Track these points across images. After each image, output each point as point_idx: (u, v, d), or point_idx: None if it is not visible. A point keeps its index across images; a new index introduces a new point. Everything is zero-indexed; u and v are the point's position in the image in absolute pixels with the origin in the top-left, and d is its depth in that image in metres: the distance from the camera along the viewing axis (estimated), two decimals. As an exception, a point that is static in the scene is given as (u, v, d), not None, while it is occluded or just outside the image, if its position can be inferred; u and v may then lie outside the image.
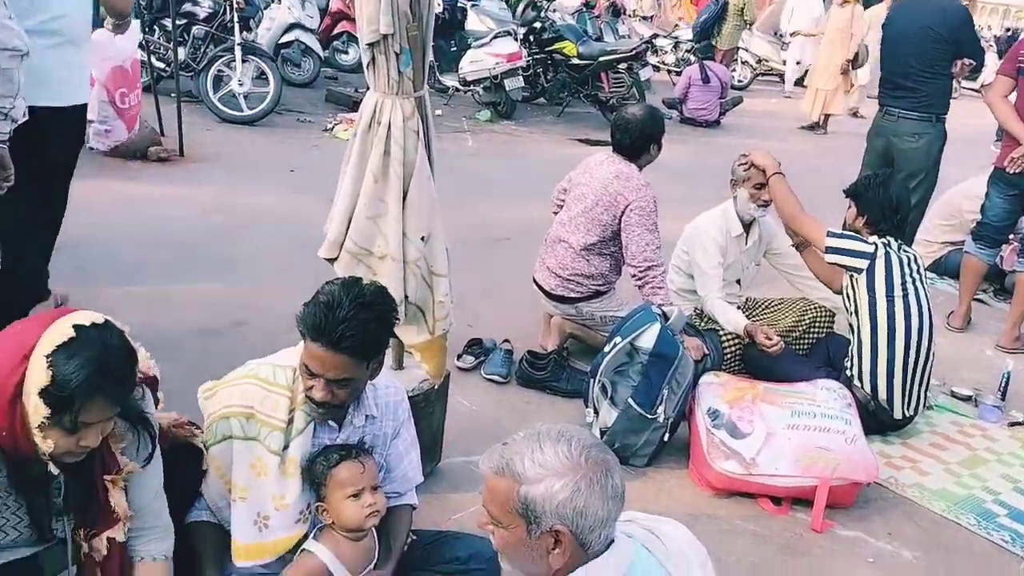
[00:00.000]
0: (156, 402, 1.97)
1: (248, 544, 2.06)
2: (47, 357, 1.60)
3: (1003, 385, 4.05)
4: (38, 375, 1.60)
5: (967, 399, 4.07)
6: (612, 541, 1.54)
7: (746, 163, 3.88)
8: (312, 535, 2.12)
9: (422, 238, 2.70)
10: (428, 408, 3.00)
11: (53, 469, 1.70)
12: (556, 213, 4.16)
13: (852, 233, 3.69)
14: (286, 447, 2.06)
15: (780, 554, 2.90)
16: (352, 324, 1.94)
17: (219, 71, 7.89)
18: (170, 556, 2.00)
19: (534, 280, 4.14)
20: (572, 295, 3.96)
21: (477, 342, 4.08)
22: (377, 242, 2.67)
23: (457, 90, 10.09)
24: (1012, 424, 3.90)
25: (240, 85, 7.90)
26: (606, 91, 10.10)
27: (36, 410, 1.61)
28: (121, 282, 4.30)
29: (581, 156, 7.90)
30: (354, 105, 9.22)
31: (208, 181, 6.35)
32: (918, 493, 3.31)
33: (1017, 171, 4.51)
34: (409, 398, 2.84)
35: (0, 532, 1.75)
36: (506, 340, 4.10)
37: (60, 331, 1.63)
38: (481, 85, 9.72)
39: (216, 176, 6.51)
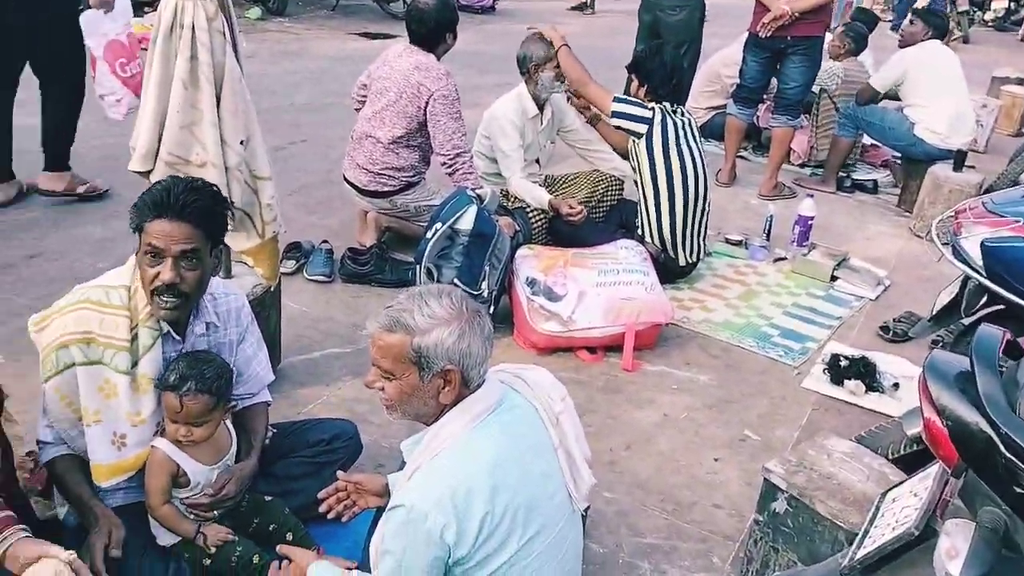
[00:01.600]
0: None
1: (109, 464, 2.07)
2: None
3: (767, 228, 4.68)
4: None
5: (739, 243, 4.67)
6: (485, 380, 1.78)
7: (545, 44, 4.05)
8: (159, 430, 2.15)
9: (241, 142, 2.70)
10: (264, 312, 3.05)
11: None
12: (358, 109, 4.19)
13: (636, 99, 4.05)
14: (135, 364, 2.07)
15: (601, 394, 3.30)
16: (192, 194, 2.02)
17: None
18: None
19: (345, 178, 4.20)
20: (385, 189, 4.07)
21: (296, 246, 4.12)
22: (195, 150, 2.64)
23: (220, -12, 9.47)
24: (776, 260, 4.55)
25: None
26: (379, -19, 9.91)
27: None
28: None
29: (364, 51, 7.87)
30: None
31: None
32: (707, 327, 3.84)
33: (768, 35, 5.05)
34: (244, 304, 2.91)
35: None
36: (324, 240, 4.16)
37: None
38: (246, -19, 9.22)
39: None
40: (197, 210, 2.01)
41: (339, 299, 3.86)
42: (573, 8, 11.89)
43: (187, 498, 2.15)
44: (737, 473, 2.90)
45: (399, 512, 1.64)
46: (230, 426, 2.27)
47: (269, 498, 2.32)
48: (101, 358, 2.04)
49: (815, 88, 5.75)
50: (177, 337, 2.17)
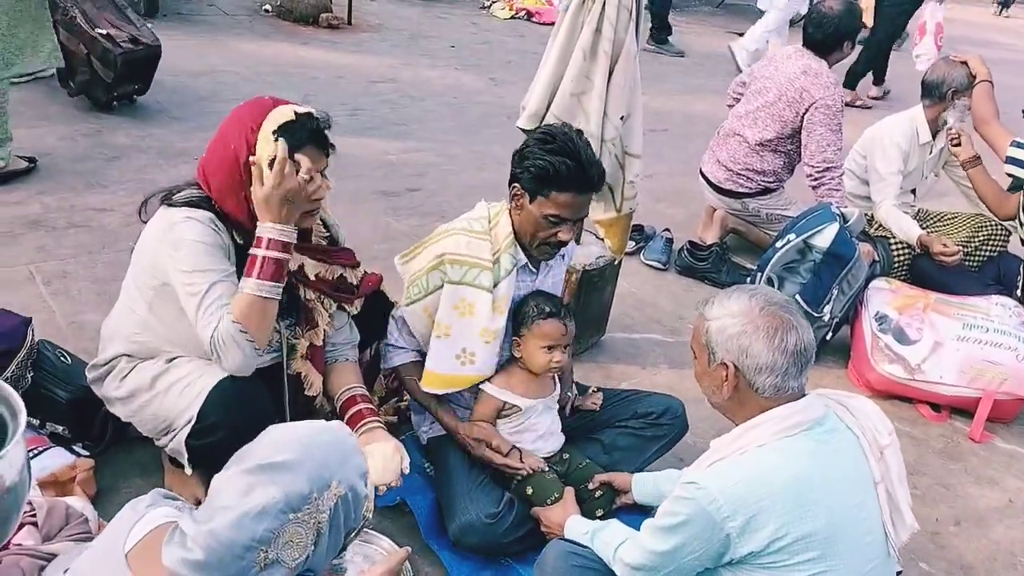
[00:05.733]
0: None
1: (445, 374, 2.24)
2: (274, 133, 1.89)
3: None
4: (267, 147, 1.89)
5: None
6: (802, 396, 1.70)
7: (967, 72, 3.69)
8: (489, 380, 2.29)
9: (621, 117, 2.77)
10: (602, 282, 3.14)
11: None
12: (731, 106, 4.12)
13: None
14: (495, 285, 2.21)
15: (936, 457, 2.96)
16: (597, 163, 2.15)
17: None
18: (356, 360, 2.30)
19: (701, 172, 4.15)
20: (740, 190, 3.97)
21: (638, 228, 4.16)
22: (578, 118, 2.75)
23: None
24: None
25: (404, -43, 7.95)
26: (771, -17, 9.61)
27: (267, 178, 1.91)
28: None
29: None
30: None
31: (374, 51, 6.53)
32: (1084, 418, 3.28)
33: None
34: (586, 271, 3.01)
35: None
36: (666, 229, 4.17)
37: (282, 114, 1.92)
38: (640, -30, 9.42)
39: (382, 47, 6.68)
40: (603, 179, 2.15)
41: (669, 288, 3.86)
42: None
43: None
44: (1090, 593, 2.46)
45: (691, 487, 1.64)
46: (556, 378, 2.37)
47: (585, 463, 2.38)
48: (464, 277, 2.20)
49: None
50: (533, 269, 2.31)
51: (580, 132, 2.18)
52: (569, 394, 2.48)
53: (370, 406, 2.18)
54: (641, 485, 2.29)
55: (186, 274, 1.88)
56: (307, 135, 1.93)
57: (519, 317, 2.26)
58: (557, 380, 2.38)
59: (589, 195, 2.14)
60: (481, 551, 2.18)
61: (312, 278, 2.12)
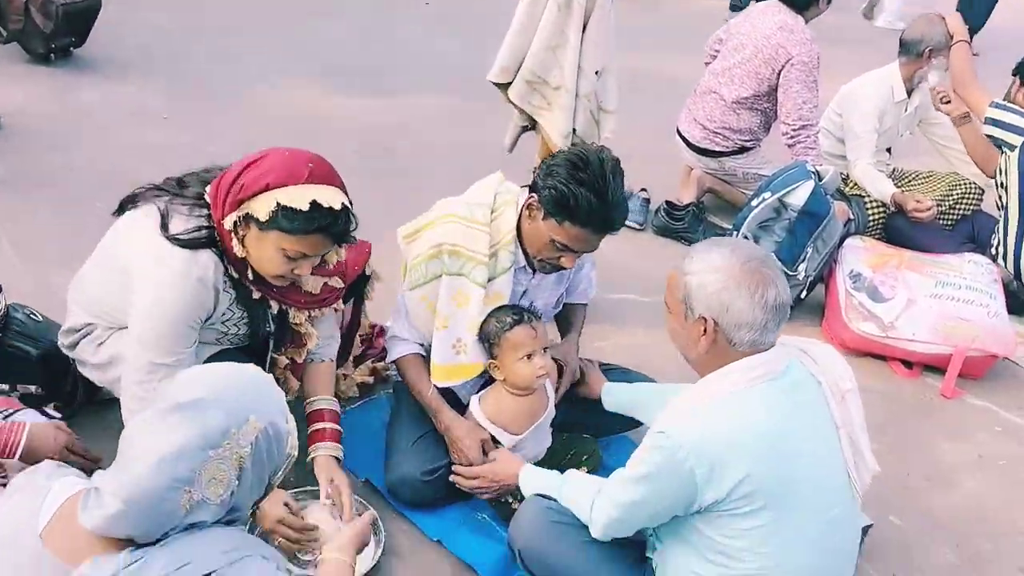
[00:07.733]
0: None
1: (444, 365, 2.19)
2: (279, 204, 1.76)
3: None
4: (263, 209, 1.77)
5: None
6: (770, 348, 1.70)
7: (946, 30, 3.68)
8: (478, 395, 2.25)
9: (596, 72, 2.74)
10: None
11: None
12: (708, 63, 4.08)
13: (1015, 107, 3.57)
14: (491, 280, 2.16)
15: (909, 414, 2.99)
16: (623, 204, 2.03)
17: None
18: (334, 359, 2.27)
19: (678, 131, 4.13)
20: (717, 148, 3.95)
21: (615, 187, 4.14)
22: (553, 72, 2.73)
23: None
24: None
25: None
26: (750, -59, 9.50)
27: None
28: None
29: (723, 9, 7.61)
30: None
31: (348, 9, 6.40)
32: (1052, 374, 3.33)
33: None
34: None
35: (224, 327, 2.01)
36: (643, 189, 4.14)
37: (301, 196, 1.76)
38: (619, -74, 9.26)
39: (355, 4, 6.55)
40: (621, 224, 2.06)
41: (647, 248, 3.84)
42: None
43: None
44: (1056, 542, 2.51)
45: (660, 437, 1.65)
46: (549, 387, 2.28)
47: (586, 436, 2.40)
48: (461, 269, 2.15)
49: None
50: (529, 269, 2.25)
51: (617, 162, 2.04)
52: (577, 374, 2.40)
53: (335, 426, 2.16)
54: (613, 395, 2.29)
55: (148, 330, 1.85)
56: (311, 228, 1.79)
57: (486, 339, 2.17)
58: (550, 394, 2.28)
59: (604, 235, 2.05)
60: (413, 505, 2.21)
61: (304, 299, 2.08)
